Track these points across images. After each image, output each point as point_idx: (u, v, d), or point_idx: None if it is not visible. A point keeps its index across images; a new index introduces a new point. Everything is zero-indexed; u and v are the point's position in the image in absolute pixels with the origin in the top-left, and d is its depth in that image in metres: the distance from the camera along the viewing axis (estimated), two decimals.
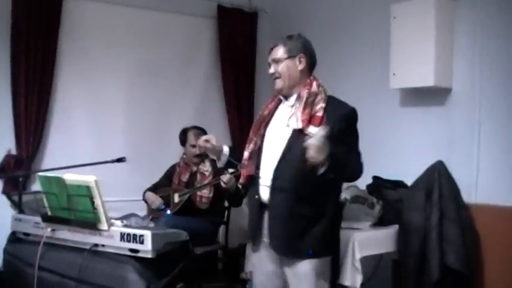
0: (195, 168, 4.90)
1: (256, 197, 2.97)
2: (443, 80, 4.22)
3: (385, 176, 4.31)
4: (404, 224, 3.98)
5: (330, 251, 3.00)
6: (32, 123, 4.91)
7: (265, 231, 2.95)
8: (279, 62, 2.95)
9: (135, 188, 5.05)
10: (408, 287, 3.97)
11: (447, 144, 4.28)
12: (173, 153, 5.21)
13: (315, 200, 2.86)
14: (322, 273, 2.94)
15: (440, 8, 4.17)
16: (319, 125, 2.78)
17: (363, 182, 4.16)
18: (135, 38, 5.47)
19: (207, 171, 4.83)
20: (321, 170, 2.65)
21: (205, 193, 4.68)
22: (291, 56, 2.95)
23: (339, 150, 2.68)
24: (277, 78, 2.95)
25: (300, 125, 2.82)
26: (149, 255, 3.14)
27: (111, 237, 3.24)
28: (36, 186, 4.72)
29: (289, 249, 2.88)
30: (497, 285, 3.89)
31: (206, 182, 4.67)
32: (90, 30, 5.25)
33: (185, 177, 4.88)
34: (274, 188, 2.87)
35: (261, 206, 2.95)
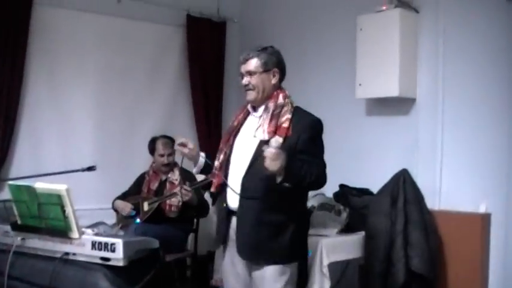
0: (164, 177, 4.91)
1: (224, 205, 3.03)
2: (407, 90, 4.34)
3: (351, 184, 4.40)
4: (370, 230, 4.07)
5: (296, 257, 3.05)
6: None
7: (233, 237, 3.00)
8: (253, 74, 2.98)
9: (103, 196, 5.05)
10: None
11: (411, 152, 4.40)
12: (141, 161, 5.22)
13: (281, 207, 2.91)
14: (289, 279, 3.00)
15: (404, 20, 4.30)
16: (284, 135, 2.85)
17: (330, 190, 4.25)
18: (104, 45, 5.46)
19: (176, 180, 4.84)
20: (278, 179, 2.71)
21: (174, 201, 4.69)
22: (266, 69, 2.99)
23: (299, 162, 2.76)
24: (250, 90, 2.99)
25: (266, 136, 2.87)
26: (120, 263, 3.11)
27: (82, 245, 3.21)
28: (3, 195, 4.70)
29: (256, 256, 2.94)
30: (460, 287, 4.00)
31: (175, 190, 4.70)
32: (59, 37, 5.23)
33: (154, 186, 4.90)
34: (242, 196, 2.92)
35: (229, 213, 3.02)
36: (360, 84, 4.48)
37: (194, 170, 3.22)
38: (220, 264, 3.22)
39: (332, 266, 3.80)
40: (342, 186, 4.36)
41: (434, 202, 4.23)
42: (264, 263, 2.94)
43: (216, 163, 3.09)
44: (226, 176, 3.03)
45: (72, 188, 3.24)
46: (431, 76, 4.33)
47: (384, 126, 4.61)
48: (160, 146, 4.90)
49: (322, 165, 2.91)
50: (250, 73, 2.99)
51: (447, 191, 4.23)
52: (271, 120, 2.93)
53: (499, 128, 3.99)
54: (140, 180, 5.02)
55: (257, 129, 2.96)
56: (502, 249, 3.96)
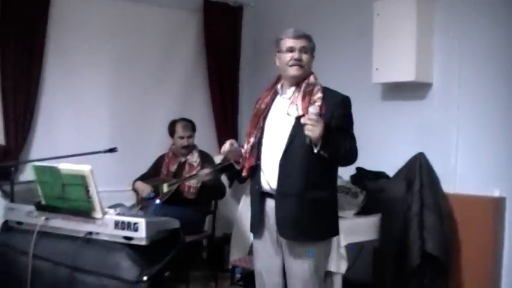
0: (183, 159, 4.98)
1: (257, 187, 3.07)
2: (423, 75, 4.36)
3: (367, 168, 4.44)
4: (386, 213, 4.12)
5: (333, 233, 3.15)
6: (20, 114, 4.95)
7: (268, 218, 3.05)
8: (307, 52, 3.04)
9: (120, 178, 5.14)
10: (388, 273, 4.10)
11: (427, 136, 4.42)
12: (158, 144, 5.30)
13: (320, 185, 2.99)
14: (326, 255, 3.15)
15: (421, 5, 4.31)
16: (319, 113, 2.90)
17: (347, 173, 4.30)
18: (120, 30, 5.50)
19: (195, 162, 4.91)
20: (316, 148, 2.79)
21: (193, 183, 4.76)
22: (312, 53, 3.08)
23: (336, 134, 2.85)
24: (300, 66, 3.01)
25: (300, 112, 2.93)
26: (143, 243, 3.19)
27: (105, 225, 3.29)
28: (23, 177, 4.77)
29: (299, 234, 2.98)
30: (473, 271, 4.05)
31: (194, 172, 4.76)
32: (76, 24, 5.28)
33: (173, 168, 4.97)
34: (282, 175, 2.96)
35: (262, 195, 3.06)
36: (376, 69, 4.50)
37: (238, 166, 3.19)
38: (254, 243, 3.24)
39: (347, 248, 3.85)
40: (358, 169, 4.40)
41: (449, 186, 4.26)
42: (306, 241, 3.00)
43: (246, 146, 3.12)
44: (258, 157, 3.06)
45: None
46: (448, 61, 4.34)
47: (400, 111, 4.63)
48: (180, 129, 4.97)
49: (355, 140, 2.98)
50: (304, 50, 3.03)
51: (462, 175, 4.26)
52: (304, 97, 2.98)
53: None
54: (159, 162, 5.10)
55: (289, 107, 3.00)
56: None
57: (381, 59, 4.47)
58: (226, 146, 3.07)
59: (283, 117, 3.02)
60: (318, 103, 2.94)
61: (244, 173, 3.13)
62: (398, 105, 4.66)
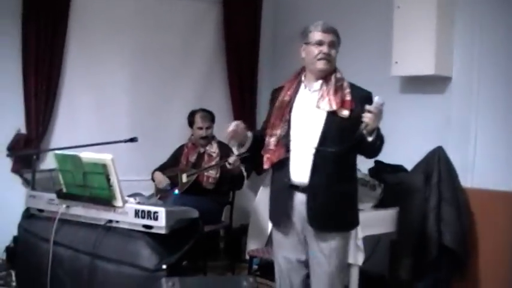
0: (202, 150, 5.01)
1: (286, 180, 3.05)
2: (443, 68, 4.34)
3: (385, 161, 4.44)
4: (404, 206, 4.13)
5: (357, 223, 3.22)
6: (41, 103, 5.03)
7: (294, 210, 3.07)
8: (334, 46, 3.05)
9: (140, 168, 5.21)
10: (405, 266, 4.11)
11: (445, 130, 4.41)
12: (177, 134, 5.35)
13: (348, 177, 3.08)
14: (348, 243, 3.23)
15: None
16: (349, 108, 2.95)
17: (365, 166, 4.31)
18: (140, 21, 5.55)
19: (214, 152, 4.95)
20: (371, 138, 2.84)
21: (212, 174, 4.80)
22: (338, 48, 3.08)
23: None
24: (328, 60, 3.01)
25: (334, 107, 2.95)
26: (163, 231, 3.26)
27: (125, 213, 3.36)
28: (44, 165, 4.84)
29: (330, 225, 3.04)
30: (490, 265, 4.04)
31: (214, 163, 4.79)
32: (97, 15, 5.35)
33: (193, 158, 5.01)
34: (316, 168, 2.98)
35: (290, 187, 3.06)
36: (396, 62, 4.49)
37: (242, 150, 3.22)
38: (275, 236, 3.26)
39: (364, 240, 3.87)
40: (376, 162, 4.40)
41: (467, 180, 4.25)
42: (335, 231, 3.06)
43: (270, 139, 3.10)
44: (287, 150, 3.06)
45: None
46: (467, 55, 4.32)
47: (418, 104, 4.62)
48: (199, 119, 5.00)
49: None
50: (333, 44, 3.04)
51: (480, 169, 4.24)
52: (336, 91, 2.99)
53: None
54: (178, 152, 5.13)
55: (319, 101, 3.00)
56: None
57: (400, 52, 4.46)
58: (232, 125, 3.10)
59: (311, 110, 3.03)
60: (348, 98, 2.98)
61: (267, 165, 3.13)
62: (417, 98, 4.65)
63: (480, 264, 4.11)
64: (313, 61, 3.03)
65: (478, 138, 4.27)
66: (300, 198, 3.05)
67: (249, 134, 3.20)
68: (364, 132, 2.83)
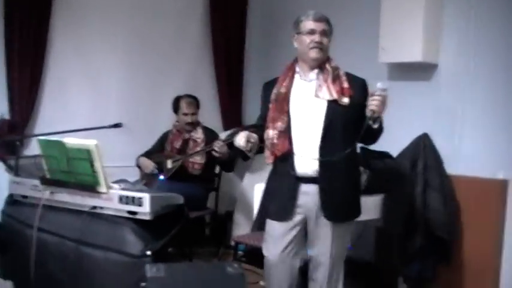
0: (187, 135, 4.99)
1: (292, 172, 3.04)
2: (430, 55, 4.33)
3: (372, 147, 4.43)
4: (390, 193, 4.14)
5: (360, 211, 3.25)
6: (25, 88, 4.95)
7: (299, 202, 3.07)
8: (326, 35, 3.04)
9: (126, 154, 5.14)
10: (391, 252, 4.13)
11: (432, 117, 4.41)
12: (165, 120, 5.30)
13: (354, 166, 3.14)
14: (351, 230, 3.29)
15: None
16: (348, 95, 2.96)
17: None
18: (129, 6, 5.50)
19: (199, 138, 4.93)
20: (376, 125, 2.88)
21: (198, 159, 4.79)
22: (330, 37, 3.09)
23: None
24: (320, 48, 3.01)
25: (334, 96, 2.96)
26: (147, 217, 3.24)
27: (110, 199, 3.33)
28: (29, 151, 4.80)
29: (343, 214, 3.09)
30: (476, 251, 4.07)
31: (199, 149, 4.77)
32: None
33: (178, 144, 4.98)
34: (324, 160, 2.98)
35: (297, 179, 3.05)
36: (383, 49, 4.48)
37: (251, 154, 3.13)
38: (274, 229, 3.22)
39: None
40: (362, 149, 4.38)
41: (453, 167, 4.26)
42: (346, 221, 3.14)
43: (272, 132, 3.07)
44: (290, 142, 3.04)
45: None
46: (455, 42, 4.32)
47: (405, 91, 4.59)
48: (184, 105, 4.98)
49: None
50: (325, 33, 3.03)
51: (466, 156, 4.25)
52: (334, 80, 2.99)
53: None
54: (164, 138, 5.11)
55: (318, 90, 3.00)
56: None
57: (387, 39, 4.44)
58: (242, 141, 3.00)
59: (310, 100, 3.02)
60: (346, 85, 2.99)
61: (270, 160, 3.10)
62: (404, 85, 4.63)
63: (466, 250, 4.13)
64: (306, 50, 3.03)
65: (465, 125, 4.28)
66: (305, 189, 3.05)
67: (256, 136, 3.12)
68: (370, 120, 2.85)
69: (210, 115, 5.74)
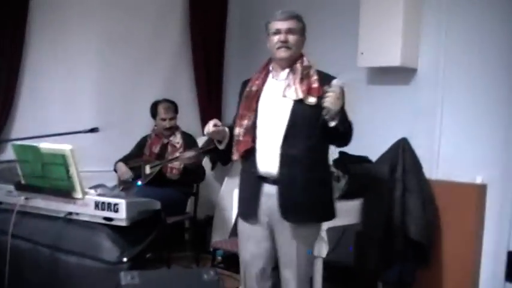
0: (166, 140, 4.96)
1: (253, 170, 3.02)
2: (409, 60, 4.34)
3: (350, 152, 4.43)
4: (369, 197, 4.12)
5: (332, 215, 3.19)
6: (1, 92, 4.88)
7: (262, 202, 3.04)
8: (294, 33, 3.00)
9: (104, 159, 5.10)
10: (371, 257, 4.12)
11: (411, 122, 4.42)
12: (143, 124, 5.26)
13: (320, 166, 3.06)
14: (318, 233, 3.24)
15: None
16: (317, 95, 2.90)
17: (330, 157, 4.28)
18: (106, 8, 5.44)
19: (178, 143, 4.90)
20: (333, 123, 2.78)
21: (176, 165, 4.75)
22: (302, 34, 3.05)
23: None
24: (287, 47, 2.98)
25: (300, 95, 2.92)
26: (123, 224, 3.21)
27: (85, 205, 3.29)
28: (4, 156, 4.73)
29: (303, 216, 3.01)
30: (455, 255, 4.07)
31: (178, 154, 4.73)
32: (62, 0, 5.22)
33: (156, 149, 4.95)
34: (285, 158, 2.94)
35: (258, 179, 3.02)
36: (362, 53, 4.48)
37: (221, 146, 3.14)
38: (242, 229, 3.21)
39: (329, 232, 3.85)
40: (341, 153, 4.38)
41: (432, 171, 4.27)
42: (309, 223, 3.06)
43: (238, 130, 3.06)
44: (254, 140, 3.02)
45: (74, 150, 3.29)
46: (433, 46, 4.33)
47: (384, 95, 4.63)
48: (162, 110, 4.94)
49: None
50: (291, 31, 3.00)
51: (445, 161, 4.27)
52: (302, 79, 2.96)
53: (498, 100, 3.99)
54: (142, 143, 5.07)
55: (286, 89, 2.97)
56: (496, 220, 4.00)
57: (366, 43, 4.45)
58: (210, 126, 3.00)
59: (278, 100, 2.99)
60: (315, 85, 2.94)
61: (235, 157, 3.09)
62: (383, 89, 4.65)
63: (445, 254, 4.14)
64: (274, 50, 3.02)
65: (443, 129, 4.30)
66: (268, 190, 3.02)
67: (227, 130, 3.13)
68: (327, 117, 2.77)
69: (189, 119, 5.72)
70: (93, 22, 5.37)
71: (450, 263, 4.11)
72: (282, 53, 3.00)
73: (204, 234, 5.52)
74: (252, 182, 3.05)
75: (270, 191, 3.01)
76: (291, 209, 2.98)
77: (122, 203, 3.19)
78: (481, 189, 4.04)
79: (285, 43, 2.98)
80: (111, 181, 4.90)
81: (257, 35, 4.85)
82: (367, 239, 4.14)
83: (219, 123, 3.04)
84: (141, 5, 5.68)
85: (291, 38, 2.99)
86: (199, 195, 5.16)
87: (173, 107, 4.99)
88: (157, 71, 5.81)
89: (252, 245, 3.13)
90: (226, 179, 5.43)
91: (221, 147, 3.14)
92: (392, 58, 4.31)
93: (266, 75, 3.12)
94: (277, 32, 3.00)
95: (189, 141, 4.87)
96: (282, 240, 3.05)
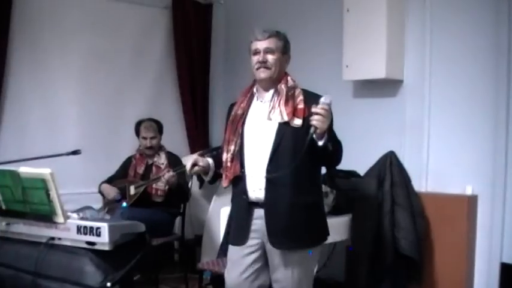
0: (150, 161, 4.90)
1: (244, 196, 2.95)
2: (394, 72, 4.33)
3: (338, 166, 4.38)
4: (358, 212, 4.07)
5: (324, 237, 3.10)
6: None
7: (255, 227, 2.96)
8: (273, 53, 2.93)
9: (89, 180, 5.05)
10: (361, 273, 4.06)
11: (399, 134, 4.40)
12: (127, 145, 5.20)
13: (309, 189, 2.95)
14: (316, 258, 3.12)
15: (391, 1, 4.27)
16: (302, 116, 2.83)
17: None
18: (87, 28, 5.39)
19: (162, 164, 4.84)
20: (321, 142, 2.70)
21: (161, 186, 4.68)
22: (284, 52, 2.98)
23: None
24: (266, 68, 2.92)
25: (285, 118, 2.85)
26: (106, 248, 3.14)
27: (67, 230, 3.23)
28: None
29: (293, 242, 2.90)
30: (446, 268, 4.02)
31: (161, 174, 4.67)
32: (41, 20, 5.17)
33: (141, 169, 4.89)
34: (270, 183, 2.87)
35: (249, 204, 2.95)
36: (346, 66, 4.46)
37: (206, 178, 3.11)
38: (231, 255, 3.13)
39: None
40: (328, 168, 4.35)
41: (421, 184, 4.24)
42: (299, 249, 2.93)
43: (226, 155, 3.00)
44: (242, 165, 2.95)
45: (59, 173, 3.25)
46: (419, 58, 4.32)
47: (371, 108, 4.60)
48: (143, 129, 4.89)
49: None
50: (269, 51, 2.93)
51: (434, 173, 4.24)
52: (286, 101, 2.88)
53: (485, 110, 3.97)
54: (127, 163, 5.01)
55: (271, 112, 2.90)
56: (488, 231, 3.96)
57: (351, 56, 4.43)
58: (189, 167, 2.97)
59: (263, 122, 2.93)
60: (301, 106, 2.87)
61: (225, 184, 3.01)
62: (369, 102, 4.63)
63: (436, 267, 4.09)
64: (254, 71, 2.97)
65: (431, 141, 4.28)
66: (259, 215, 2.94)
67: (210, 161, 3.07)
68: (314, 136, 2.70)
69: (176, 139, 5.67)
70: (75, 42, 5.32)
71: (442, 276, 4.06)
72: (262, 74, 2.94)
73: (194, 254, 5.45)
74: (244, 207, 2.98)
75: (260, 215, 2.94)
76: (277, 234, 2.90)
77: (104, 226, 3.13)
78: (472, 200, 4.02)
79: (263, 63, 2.92)
80: (97, 203, 4.82)
81: (242, 53, 4.83)
82: (358, 254, 4.09)
83: (199, 161, 2.99)
84: (124, 24, 5.64)
85: (270, 58, 2.93)
86: (188, 215, 5.09)
87: (156, 126, 4.92)
88: (141, 90, 5.76)
89: (242, 269, 3.02)
90: (214, 197, 5.36)
91: (207, 179, 3.10)
92: (378, 70, 4.29)
93: (251, 98, 3.06)
94: (256, 52, 2.95)
95: (174, 161, 4.82)
96: (275, 265, 2.97)
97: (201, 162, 3.00)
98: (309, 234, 2.96)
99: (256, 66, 2.94)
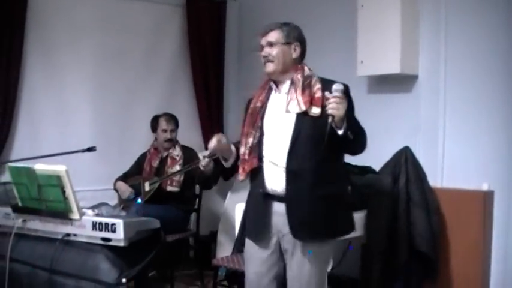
0: (165, 154, 4.95)
1: (261, 190, 2.93)
2: (409, 67, 4.28)
3: (353, 162, 4.36)
4: (373, 209, 4.04)
5: (349, 229, 3.07)
6: None
7: (272, 221, 2.94)
8: (274, 45, 2.92)
9: (104, 177, 5.09)
10: (376, 270, 4.03)
11: (414, 130, 4.36)
12: (141, 142, 5.26)
13: (330, 179, 2.90)
14: (331, 253, 3.10)
15: None
16: (320, 105, 2.79)
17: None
18: (101, 26, 5.42)
19: (177, 155, 4.89)
20: (341, 131, 2.67)
21: (176, 177, 4.73)
22: (287, 42, 2.94)
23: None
24: (270, 61, 2.92)
25: (303, 108, 2.82)
26: (121, 244, 3.16)
27: (82, 226, 3.26)
28: (3, 178, 4.69)
29: (315, 233, 2.88)
30: (461, 265, 3.96)
31: (178, 166, 4.71)
32: (56, 19, 5.19)
33: (156, 163, 4.94)
34: (290, 174, 2.85)
35: (266, 197, 2.93)
36: (361, 62, 4.43)
37: (226, 165, 3.07)
38: (249, 248, 3.11)
39: (334, 245, 3.78)
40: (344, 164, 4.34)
41: (436, 180, 4.19)
42: (320, 240, 2.92)
43: (243, 149, 2.98)
44: (261, 159, 2.94)
45: (74, 170, 3.29)
46: (433, 52, 4.27)
47: (386, 104, 4.56)
48: (163, 122, 4.95)
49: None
50: (270, 44, 2.93)
51: (450, 168, 4.20)
52: (303, 91, 2.86)
53: (501, 105, 3.93)
54: (141, 159, 5.06)
55: (288, 103, 2.88)
56: (504, 227, 3.92)
57: (365, 52, 4.40)
58: (214, 141, 2.92)
59: (282, 115, 2.91)
60: (318, 94, 2.83)
61: (242, 177, 2.99)
62: (384, 98, 4.59)
63: (452, 265, 4.04)
64: (263, 67, 2.98)
65: (447, 137, 4.23)
66: (277, 208, 2.92)
67: (233, 148, 3.06)
68: (333, 125, 2.68)
69: (190, 134, 5.67)
70: (88, 40, 5.35)
71: (457, 272, 4.00)
72: (267, 68, 2.95)
73: (209, 250, 5.46)
74: (261, 201, 2.96)
75: (279, 209, 2.92)
76: (300, 226, 2.87)
77: (120, 223, 3.15)
78: (488, 196, 3.96)
79: (266, 57, 2.94)
80: (112, 199, 4.86)
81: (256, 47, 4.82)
82: (372, 251, 4.06)
83: (223, 138, 2.96)
84: (137, 22, 5.66)
85: (271, 51, 2.93)
86: (203, 211, 5.11)
87: (174, 119, 5.00)
88: (154, 88, 5.77)
89: (257, 264, 3.02)
90: (229, 193, 5.37)
91: (227, 165, 3.07)
92: (392, 65, 4.25)
93: (269, 90, 3.04)
94: (261, 48, 2.97)
95: (188, 154, 4.86)
96: (293, 261, 2.94)
97: (224, 139, 2.97)
98: (333, 225, 2.94)
99: (262, 61, 2.96)
